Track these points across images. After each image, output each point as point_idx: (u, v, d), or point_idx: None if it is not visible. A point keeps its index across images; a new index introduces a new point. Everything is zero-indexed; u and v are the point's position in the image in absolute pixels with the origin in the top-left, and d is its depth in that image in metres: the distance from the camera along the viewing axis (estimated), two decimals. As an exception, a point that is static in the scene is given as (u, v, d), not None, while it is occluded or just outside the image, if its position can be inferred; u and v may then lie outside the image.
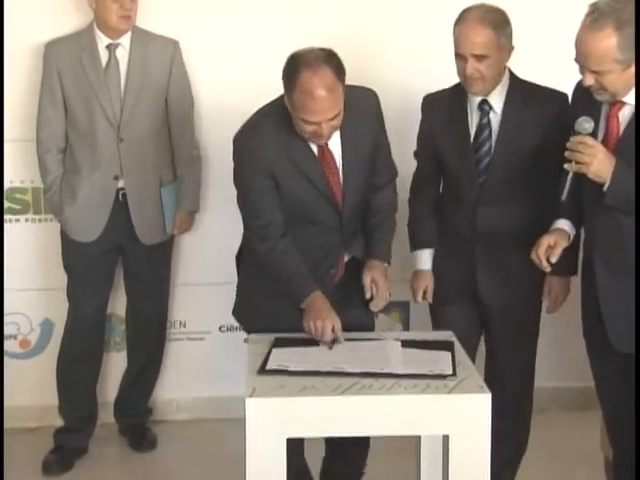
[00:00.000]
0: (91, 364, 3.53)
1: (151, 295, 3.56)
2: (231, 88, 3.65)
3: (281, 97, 2.48)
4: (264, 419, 2.08)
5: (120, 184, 3.35)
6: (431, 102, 2.92)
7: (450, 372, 2.21)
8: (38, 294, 3.70)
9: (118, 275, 3.58)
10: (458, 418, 2.10)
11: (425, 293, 2.91)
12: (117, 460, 3.53)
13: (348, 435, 2.30)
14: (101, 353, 3.58)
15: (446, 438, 2.14)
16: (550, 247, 2.48)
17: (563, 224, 2.54)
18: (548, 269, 2.52)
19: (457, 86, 2.84)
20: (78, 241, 3.38)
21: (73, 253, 3.42)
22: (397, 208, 2.79)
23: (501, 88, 2.76)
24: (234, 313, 2.81)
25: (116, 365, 3.73)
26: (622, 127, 2.36)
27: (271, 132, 2.51)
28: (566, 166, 2.36)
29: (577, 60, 2.33)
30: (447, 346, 2.42)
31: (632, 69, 2.28)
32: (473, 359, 2.96)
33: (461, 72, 2.72)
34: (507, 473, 3.03)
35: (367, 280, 2.60)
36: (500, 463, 2.95)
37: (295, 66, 2.37)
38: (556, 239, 2.49)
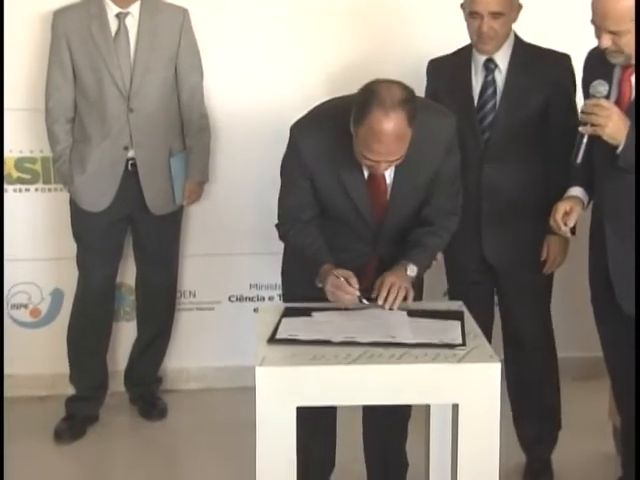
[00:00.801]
0: (101, 332, 3.55)
1: (160, 265, 3.57)
2: (241, 57, 3.65)
3: (349, 98, 2.37)
4: (274, 388, 2.09)
5: (130, 154, 3.34)
6: (436, 65, 2.98)
7: (460, 341, 2.22)
8: (48, 264, 3.72)
9: (128, 245, 3.59)
10: (468, 387, 2.11)
11: None
12: (128, 428, 3.56)
13: (358, 404, 2.31)
14: (111, 322, 3.60)
15: (456, 407, 2.15)
16: (566, 213, 2.50)
17: (577, 191, 2.56)
18: (569, 234, 2.54)
19: (461, 49, 2.92)
20: (87, 211, 3.38)
21: (82, 223, 3.42)
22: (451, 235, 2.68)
23: (507, 47, 2.83)
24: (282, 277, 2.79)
25: (126, 335, 3.75)
26: (634, 91, 2.37)
27: (324, 138, 2.43)
28: (581, 129, 2.37)
29: (593, 22, 2.33)
30: (456, 315, 2.42)
31: None
32: (490, 320, 3.01)
33: (475, 31, 2.78)
34: (540, 448, 3.06)
35: (378, 280, 2.46)
36: (531, 438, 3.00)
37: (368, 101, 2.25)
38: (572, 205, 2.51)
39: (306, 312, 2.41)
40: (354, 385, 2.11)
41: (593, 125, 2.34)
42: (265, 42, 3.64)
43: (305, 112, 2.55)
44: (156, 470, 3.18)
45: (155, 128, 3.36)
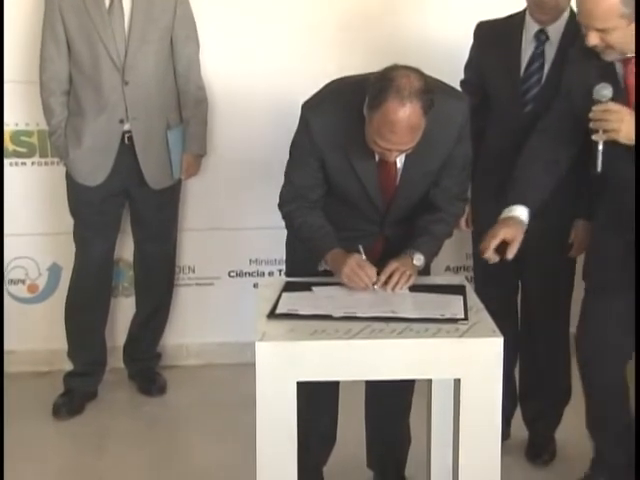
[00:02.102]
0: (99, 308, 3.55)
1: (159, 240, 3.57)
2: (239, 26, 3.63)
3: (362, 79, 2.35)
4: (274, 363, 2.09)
5: (126, 127, 3.33)
6: (484, 29, 2.95)
7: (462, 316, 2.22)
8: (46, 238, 3.72)
9: (126, 220, 3.59)
10: (470, 362, 2.11)
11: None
12: (127, 405, 3.57)
13: (358, 379, 2.32)
14: (109, 297, 3.60)
15: (457, 382, 2.15)
16: (505, 242, 2.40)
17: (521, 213, 2.47)
18: (492, 261, 2.42)
19: (513, 15, 2.88)
20: (84, 185, 3.38)
21: (79, 197, 3.42)
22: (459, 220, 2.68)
23: (561, 20, 2.79)
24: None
25: (125, 311, 3.76)
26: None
27: (336, 119, 2.41)
28: (594, 137, 2.32)
29: (579, 20, 2.30)
30: (458, 290, 2.42)
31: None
32: (514, 302, 3.02)
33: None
34: (544, 424, 3.07)
35: (386, 268, 2.42)
36: (535, 414, 3.01)
37: (385, 89, 2.21)
38: (514, 234, 2.41)
39: (306, 287, 2.41)
40: (355, 360, 2.11)
41: (606, 131, 2.30)
42: (264, 10, 3.61)
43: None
44: (155, 447, 3.19)
45: (151, 101, 3.35)
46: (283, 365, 2.10)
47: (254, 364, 2.09)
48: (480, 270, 3.05)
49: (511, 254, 2.40)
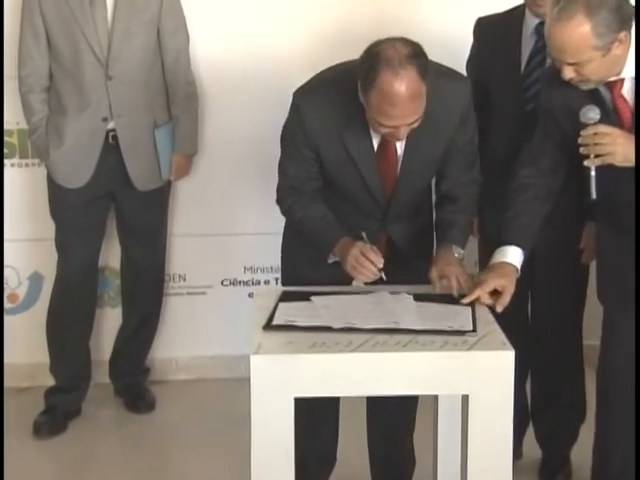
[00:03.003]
0: (83, 319, 3.57)
1: (147, 245, 3.59)
2: (231, 17, 3.64)
3: (353, 64, 2.38)
4: (270, 377, 2.11)
5: (110, 125, 3.35)
6: (484, 25, 2.98)
7: (470, 328, 2.24)
8: (26, 245, 3.74)
9: (111, 224, 3.61)
10: (479, 377, 2.13)
11: None
12: (112, 422, 3.59)
13: (360, 395, 2.34)
14: (94, 307, 3.62)
15: (465, 398, 2.17)
16: (496, 292, 2.40)
17: (513, 256, 2.45)
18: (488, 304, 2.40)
19: (513, 9, 2.91)
20: (65, 187, 3.40)
21: (61, 200, 3.44)
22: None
23: None
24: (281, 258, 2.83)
25: (111, 322, 3.78)
26: (631, 102, 2.34)
27: (330, 106, 2.44)
28: (586, 163, 2.30)
29: (551, 54, 2.32)
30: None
31: (617, 50, 2.24)
32: (524, 313, 3.04)
33: None
34: (559, 443, 3.09)
35: (433, 274, 2.46)
36: (549, 432, 3.04)
37: (374, 66, 2.24)
38: (505, 283, 2.39)
39: (305, 296, 2.43)
40: (356, 374, 2.13)
41: (598, 155, 2.28)
42: (258, 1, 3.64)
43: (307, 78, 2.55)
44: (143, 468, 3.20)
45: (136, 97, 3.37)
46: (280, 380, 2.11)
47: (249, 379, 2.11)
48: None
49: (501, 307, 2.38)
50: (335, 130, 2.46)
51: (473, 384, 2.14)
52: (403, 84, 2.23)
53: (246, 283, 3.88)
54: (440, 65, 2.47)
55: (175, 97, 3.49)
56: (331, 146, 2.48)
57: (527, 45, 2.85)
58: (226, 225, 3.81)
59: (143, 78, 3.38)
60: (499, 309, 2.37)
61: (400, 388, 2.19)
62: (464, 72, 3.03)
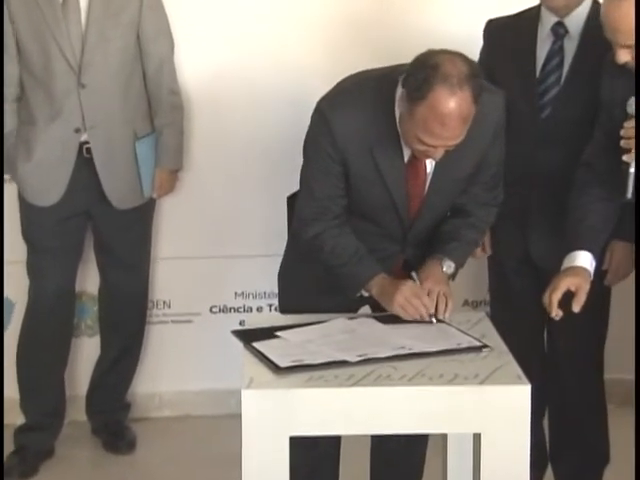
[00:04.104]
0: (57, 350, 3.57)
1: (127, 269, 3.59)
2: (219, 19, 3.65)
3: (386, 72, 2.42)
4: (263, 414, 2.12)
5: (83, 137, 3.36)
6: (495, 26, 3.00)
7: (479, 343, 2.29)
8: (-5, 268, 3.75)
9: (89, 246, 3.62)
10: (491, 413, 2.14)
11: None
12: (89, 464, 3.59)
13: (362, 434, 2.35)
14: (69, 336, 3.63)
15: (477, 437, 2.18)
16: (569, 293, 2.44)
17: (584, 260, 2.49)
18: (558, 317, 2.46)
19: (526, 11, 2.94)
20: (36, 205, 3.41)
21: (32, 219, 3.45)
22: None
23: (582, 10, 2.82)
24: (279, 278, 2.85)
25: (88, 353, 3.78)
26: None
27: (360, 116, 2.46)
28: (625, 157, 2.34)
29: (606, 36, 2.35)
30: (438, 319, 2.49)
31: None
32: (541, 342, 3.05)
33: None
34: None
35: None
36: (570, 476, 3.03)
37: (430, 78, 2.27)
38: (579, 283, 2.45)
39: (268, 334, 2.42)
40: (357, 411, 2.14)
41: None
42: (250, 1, 3.66)
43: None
44: (123, 513, 3.22)
45: (113, 107, 3.38)
46: (274, 417, 2.12)
47: (239, 416, 2.12)
48: (499, 302, 3.10)
49: (577, 306, 2.42)
50: (366, 143, 2.48)
51: (485, 422, 2.15)
52: (457, 105, 2.27)
53: (237, 310, 3.89)
54: None
55: (158, 108, 3.51)
56: (360, 160, 2.51)
57: (543, 47, 2.87)
58: (215, 247, 3.81)
59: (121, 86, 3.40)
60: (576, 309, 2.42)
61: (405, 426, 2.20)
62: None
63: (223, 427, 3.36)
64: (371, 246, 2.60)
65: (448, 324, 2.46)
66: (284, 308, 2.76)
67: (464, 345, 2.31)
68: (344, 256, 2.56)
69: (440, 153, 2.39)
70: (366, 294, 2.57)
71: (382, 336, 2.39)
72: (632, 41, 2.29)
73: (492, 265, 3.11)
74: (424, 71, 2.29)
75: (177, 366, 3.88)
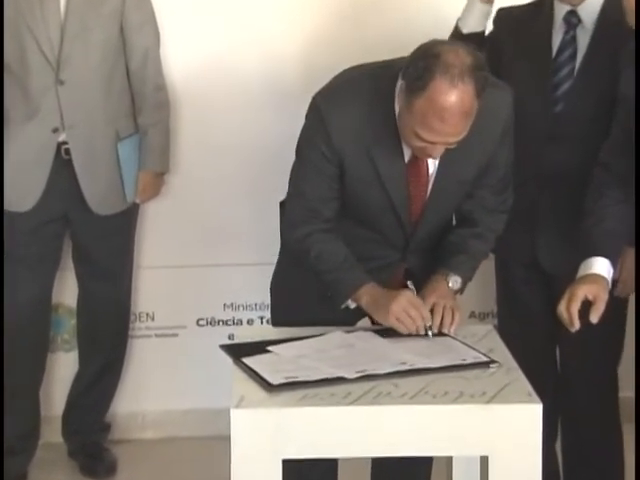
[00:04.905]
0: (31, 367, 3.57)
1: (108, 279, 3.59)
2: (209, 10, 3.66)
3: (385, 65, 2.44)
4: (254, 435, 2.12)
5: (61, 138, 3.37)
6: (505, 15, 3.02)
7: (486, 358, 2.29)
8: (-35, 278, 3.75)
9: (67, 254, 3.62)
10: (500, 434, 2.14)
11: None
12: (66, 490, 3.59)
13: (360, 456, 2.34)
14: (45, 352, 3.63)
15: (484, 459, 2.18)
16: (588, 302, 2.43)
17: (601, 267, 2.47)
18: (575, 328, 2.44)
19: (537, 2, 2.96)
20: (10, 210, 3.40)
21: (5, 226, 3.43)
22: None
23: None
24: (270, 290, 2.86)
25: (64, 369, 3.78)
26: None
27: (357, 113, 2.47)
28: None
29: (628, 21, 2.35)
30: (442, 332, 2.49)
31: None
32: (552, 358, 3.05)
33: None
34: None
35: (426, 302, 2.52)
36: None
37: (430, 67, 2.27)
38: (597, 291, 2.42)
39: (260, 348, 2.42)
40: (356, 432, 2.13)
41: None
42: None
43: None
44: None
45: (94, 105, 3.39)
46: (265, 438, 2.12)
47: (229, 437, 2.12)
48: (507, 314, 3.09)
49: (596, 317, 2.40)
50: (363, 141, 2.49)
51: (493, 443, 2.14)
52: (458, 99, 2.27)
53: (226, 323, 3.89)
54: None
55: (142, 105, 3.51)
56: (358, 161, 2.51)
57: (556, 37, 2.88)
58: (202, 255, 3.82)
59: (102, 83, 3.40)
60: (594, 319, 2.39)
61: (407, 448, 2.20)
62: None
63: (211, 450, 3.35)
64: (370, 254, 2.61)
65: (453, 337, 2.47)
66: (277, 321, 2.76)
67: (470, 360, 2.32)
68: (331, 262, 2.57)
69: (440, 151, 2.39)
70: (353, 305, 2.56)
71: (382, 351, 2.40)
72: None
73: (499, 273, 3.11)
74: (424, 60, 2.29)
75: (161, 383, 3.88)
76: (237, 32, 3.68)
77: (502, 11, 3.05)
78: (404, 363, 2.29)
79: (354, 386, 2.19)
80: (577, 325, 2.42)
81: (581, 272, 2.49)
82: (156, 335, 3.89)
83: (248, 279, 3.68)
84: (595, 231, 2.53)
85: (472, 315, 3.67)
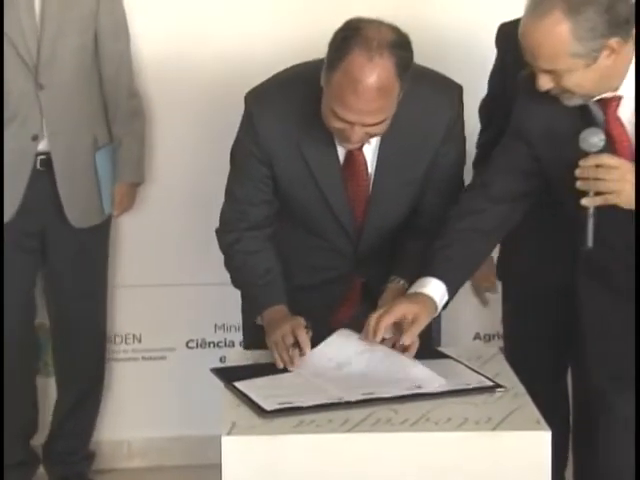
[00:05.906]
0: (20, 391, 3.58)
1: (83, 298, 3.60)
2: (183, 16, 3.69)
3: (314, 64, 2.48)
4: (246, 464, 2.12)
5: (41, 146, 3.39)
6: (508, 31, 3.00)
7: (492, 383, 2.31)
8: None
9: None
10: (506, 463, 2.14)
11: None
12: (47, 523, 3.60)
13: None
14: (33, 376, 3.65)
15: (491, 491, 2.20)
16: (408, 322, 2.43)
17: (434, 289, 2.48)
18: (373, 341, 2.43)
19: None
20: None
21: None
22: None
23: None
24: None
25: (46, 396, 3.78)
26: (629, 128, 2.34)
27: (283, 109, 2.53)
28: (584, 202, 2.28)
29: (526, 58, 2.32)
30: (444, 354, 2.53)
31: (607, 60, 2.24)
32: (563, 384, 3.08)
33: None
34: None
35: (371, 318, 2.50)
36: None
37: (348, 39, 2.32)
38: (418, 313, 2.43)
39: (254, 372, 2.44)
40: (353, 461, 2.14)
41: (599, 193, 2.26)
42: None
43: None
44: None
45: (75, 110, 3.43)
46: (258, 467, 2.13)
47: (219, 466, 2.13)
48: (513, 335, 3.12)
49: (409, 338, 2.41)
50: (294, 140, 2.54)
51: (500, 472, 2.15)
52: (374, 72, 2.30)
53: (217, 345, 3.91)
54: (428, 69, 2.56)
55: (116, 113, 3.55)
56: (288, 159, 2.56)
57: None
58: (189, 273, 3.83)
59: (82, 87, 3.44)
60: (406, 341, 2.40)
61: (408, 478, 2.18)
62: (485, 85, 3.11)
63: (200, 478, 3.36)
64: (321, 263, 2.66)
65: (457, 360, 2.49)
66: (248, 344, 2.79)
67: (475, 385, 2.33)
68: (248, 276, 2.63)
69: (358, 135, 2.40)
70: (260, 322, 2.60)
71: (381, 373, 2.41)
72: (552, 67, 2.25)
73: (505, 289, 3.13)
74: (344, 32, 2.35)
75: (148, 409, 3.89)
76: (215, 38, 3.71)
77: (505, 27, 3.06)
78: (419, 387, 2.30)
79: (352, 412, 2.20)
80: (377, 339, 2.41)
81: (412, 289, 2.50)
82: (143, 358, 3.90)
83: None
84: (440, 254, 2.52)
85: (477, 337, 3.68)
